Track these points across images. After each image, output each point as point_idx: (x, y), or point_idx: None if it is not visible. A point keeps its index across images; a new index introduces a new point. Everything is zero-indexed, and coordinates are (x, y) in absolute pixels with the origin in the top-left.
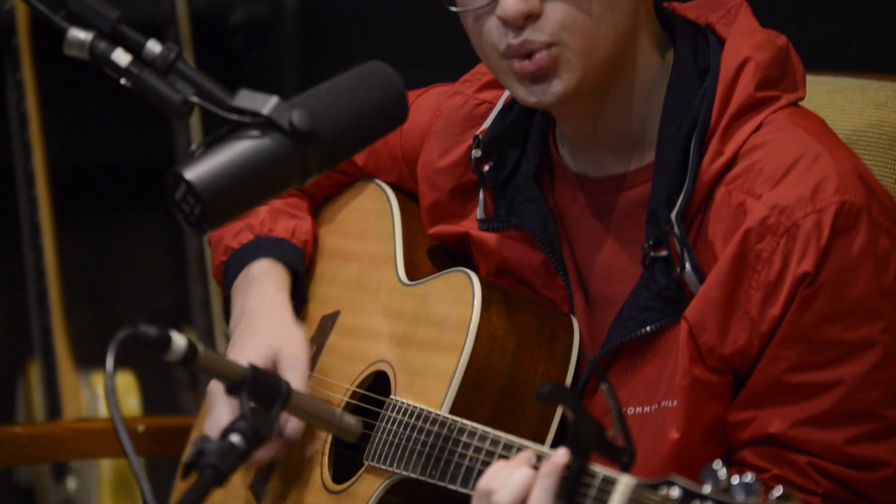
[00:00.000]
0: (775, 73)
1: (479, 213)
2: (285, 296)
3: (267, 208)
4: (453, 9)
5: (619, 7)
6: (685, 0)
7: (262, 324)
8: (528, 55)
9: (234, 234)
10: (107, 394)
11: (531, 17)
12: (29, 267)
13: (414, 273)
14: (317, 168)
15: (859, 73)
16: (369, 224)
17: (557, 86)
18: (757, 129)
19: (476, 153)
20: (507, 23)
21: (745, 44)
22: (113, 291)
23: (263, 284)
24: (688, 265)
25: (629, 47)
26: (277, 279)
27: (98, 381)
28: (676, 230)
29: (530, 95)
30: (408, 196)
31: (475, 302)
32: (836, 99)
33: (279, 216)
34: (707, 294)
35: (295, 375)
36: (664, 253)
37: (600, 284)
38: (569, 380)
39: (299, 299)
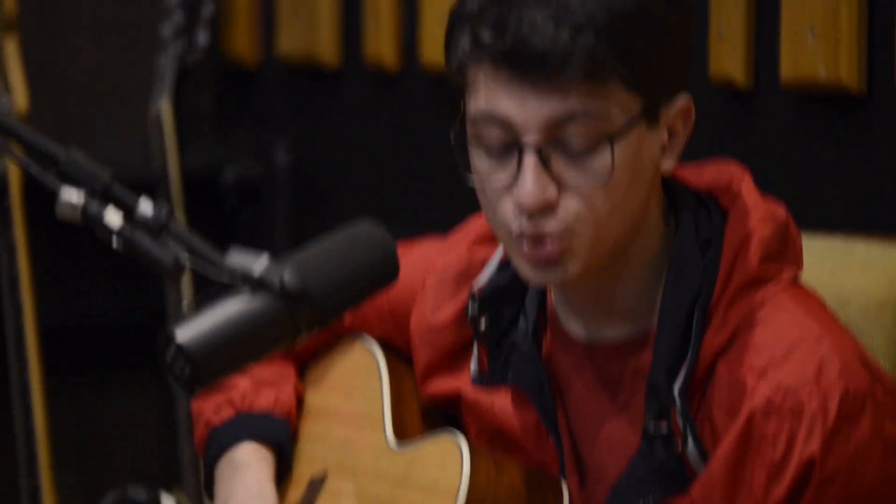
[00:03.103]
0: (776, 248)
1: (472, 366)
2: (271, 488)
3: (248, 381)
4: (471, 184)
5: (635, 195)
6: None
7: None
8: (540, 241)
9: (215, 408)
10: None
11: (548, 208)
12: (18, 427)
13: (402, 432)
14: (307, 328)
15: (846, 232)
16: (356, 382)
17: (563, 272)
18: (759, 306)
19: (473, 309)
20: (523, 209)
21: (749, 218)
22: (102, 452)
23: (249, 477)
24: (690, 441)
25: (638, 227)
26: (263, 468)
27: None
28: (679, 405)
29: (535, 277)
30: (395, 352)
31: (464, 467)
32: (827, 262)
33: (261, 388)
34: (712, 473)
35: None
36: (664, 427)
37: (593, 450)
38: None
39: (284, 468)
